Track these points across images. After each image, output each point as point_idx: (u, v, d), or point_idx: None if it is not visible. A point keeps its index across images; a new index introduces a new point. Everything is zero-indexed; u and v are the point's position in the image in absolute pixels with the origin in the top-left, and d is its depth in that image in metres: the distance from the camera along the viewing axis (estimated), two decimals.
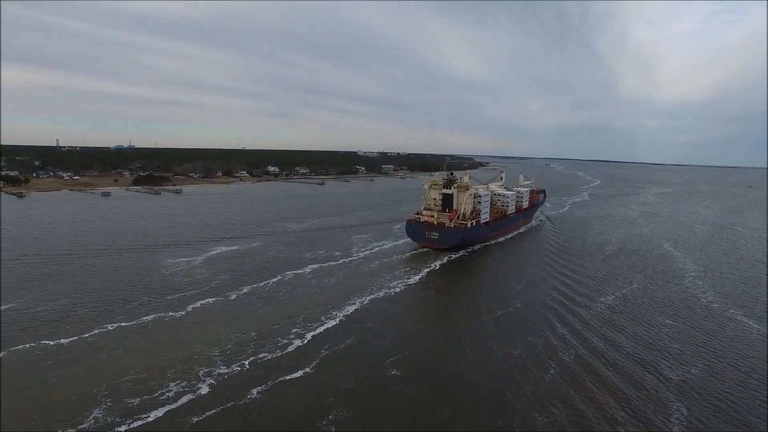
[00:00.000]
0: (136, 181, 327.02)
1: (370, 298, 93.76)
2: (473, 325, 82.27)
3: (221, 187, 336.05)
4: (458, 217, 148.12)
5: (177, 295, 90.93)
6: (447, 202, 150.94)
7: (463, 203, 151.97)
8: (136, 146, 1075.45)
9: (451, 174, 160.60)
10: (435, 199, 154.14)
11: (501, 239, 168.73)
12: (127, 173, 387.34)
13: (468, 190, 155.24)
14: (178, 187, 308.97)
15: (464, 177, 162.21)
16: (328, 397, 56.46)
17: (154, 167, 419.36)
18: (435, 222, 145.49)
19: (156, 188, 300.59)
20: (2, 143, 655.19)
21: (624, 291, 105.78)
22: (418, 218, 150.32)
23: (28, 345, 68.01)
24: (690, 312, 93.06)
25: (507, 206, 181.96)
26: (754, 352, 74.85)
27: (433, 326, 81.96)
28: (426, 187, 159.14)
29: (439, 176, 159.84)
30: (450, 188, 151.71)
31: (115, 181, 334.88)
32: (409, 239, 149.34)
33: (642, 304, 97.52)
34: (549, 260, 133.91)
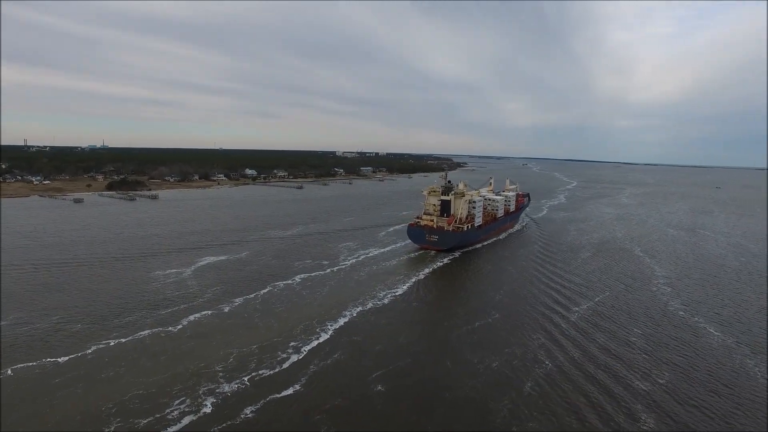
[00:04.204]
0: (110, 186, 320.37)
1: (358, 310, 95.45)
2: (454, 338, 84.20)
3: (198, 192, 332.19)
4: (455, 221, 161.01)
5: (171, 309, 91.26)
6: (445, 207, 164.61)
7: (460, 208, 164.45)
8: (110, 146, 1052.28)
9: (449, 182, 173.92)
10: (434, 204, 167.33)
11: (491, 240, 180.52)
12: (100, 177, 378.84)
13: (464, 196, 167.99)
14: (153, 192, 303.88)
15: (460, 184, 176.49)
16: (315, 415, 57.83)
17: (129, 170, 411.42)
18: (434, 226, 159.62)
19: (131, 193, 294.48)
20: None
21: (598, 299, 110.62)
22: (419, 222, 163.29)
23: (26, 364, 67.84)
24: (661, 319, 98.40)
25: (497, 210, 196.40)
26: (720, 359, 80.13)
27: (417, 339, 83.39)
28: (425, 193, 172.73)
29: (438, 184, 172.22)
30: (448, 195, 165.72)
31: (88, 186, 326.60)
32: (409, 241, 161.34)
33: (616, 311, 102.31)
34: (530, 266, 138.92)
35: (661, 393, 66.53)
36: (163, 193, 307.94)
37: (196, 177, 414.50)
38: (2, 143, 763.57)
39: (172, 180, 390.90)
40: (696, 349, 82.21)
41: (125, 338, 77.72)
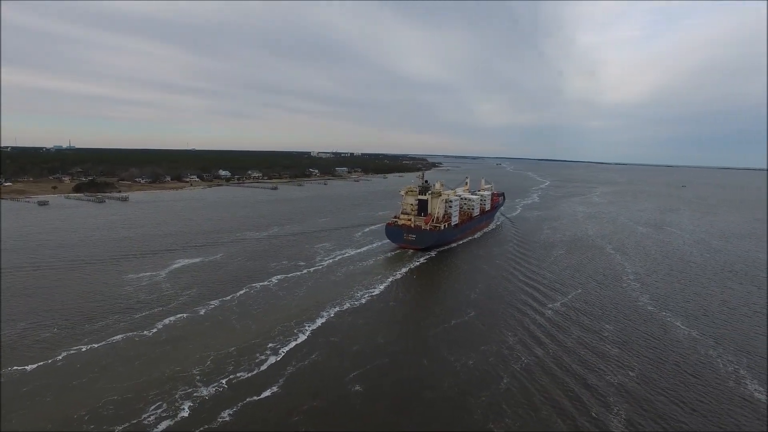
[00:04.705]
0: (78, 188, 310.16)
1: (335, 310, 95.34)
2: (431, 336, 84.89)
3: (171, 194, 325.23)
4: (433, 220, 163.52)
5: (145, 313, 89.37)
6: (422, 207, 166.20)
7: (437, 208, 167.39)
8: (78, 147, 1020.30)
9: (426, 182, 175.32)
10: (411, 204, 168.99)
11: (467, 239, 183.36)
12: (67, 179, 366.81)
13: (440, 196, 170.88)
14: (123, 194, 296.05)
15: (437, 184, 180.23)
16: (293, 416, 57.63)
17: (98, 172, 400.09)
18: (412, 225, 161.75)
19: (99, 195, 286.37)
20: None
21: (571, 295, 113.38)
22: (397, 222, 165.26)
23: None
24: (632, 314, 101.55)
25: (473, 209, 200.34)
26: (686, 350, 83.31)
27: (394, 339, 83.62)
28: (403, 193, 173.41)
29: (415, 184, 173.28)
30: (425, 194, 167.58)
31: (54, 188, 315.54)
32: (386, 241, 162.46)
33: (588, 307, 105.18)
34: (505, 265, 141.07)
35: (633, 384, 68.76)
36: (134, 195, 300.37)
37: (168, 178, 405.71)
38: None
39: (143, 181, 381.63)
40: (664, 342, 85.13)
41: (97, 344, 75.74)
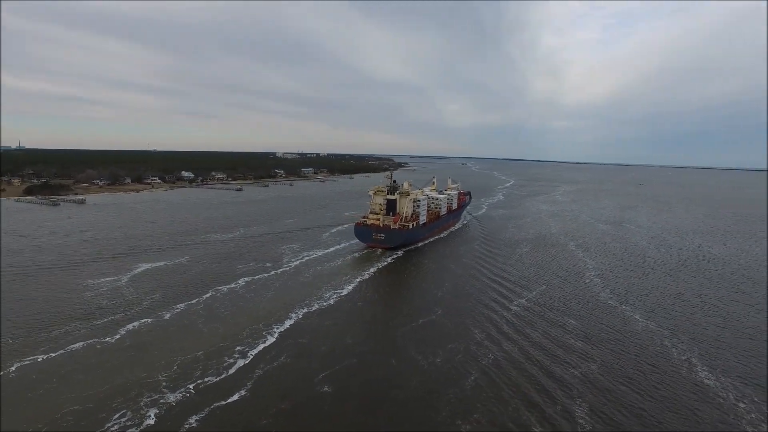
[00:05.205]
0: (29, 191, 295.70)
1: (304, 311, 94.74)
2: (398, 336, 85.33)
3: (131, 196, 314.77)
4: (401, 219, 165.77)
5: (107, 319, 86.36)
6: (391, 206, 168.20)
7: (405, 207, 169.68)
8: (28, 147, 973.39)
9: (394, 182, 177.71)
10: (380, 204, 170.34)
11: (435, 238, 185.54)
12: (16, 181, 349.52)
13: (409, 195, 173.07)
14: (80, 197, 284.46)
15: (405, 184, 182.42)
16: (261, 420, 57.11)
17: (51, 174, 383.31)
18: (381, 224, 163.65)
19: (53, 198, 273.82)
20: None
21: (536, 292, 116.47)
22: (366, 221, 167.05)
23: None
24: (594, 308, 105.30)
25: (440, 208, 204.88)
26: (644, 341, 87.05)
27: (362, 339, 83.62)
28: (371, 193, 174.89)
29: (383, 184, 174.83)
30: (393, 194, 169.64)
31: (2, 190, 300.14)
32: (355, 241, 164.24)
33: (553, 302, 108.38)
34: (471, 263, 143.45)
35: (596, 375, 71.44)
36: (92, 198, 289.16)
37: (129, 180, 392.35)
38: None
39: (101, 183, 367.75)
40: (624, 334, 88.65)
41: (55, 352, 72.68)
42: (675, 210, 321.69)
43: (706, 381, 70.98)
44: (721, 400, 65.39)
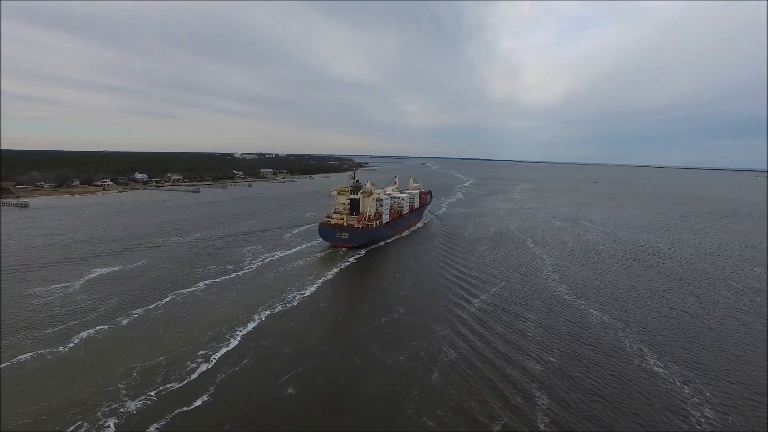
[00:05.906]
0: None
1: (267, 313, 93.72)
2: (361, 335, 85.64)
3: (80, 199, 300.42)
4: (364, 219, 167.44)
5: (58, 327, 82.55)
6: (354, 206, 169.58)
7: (368, 207, 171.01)
8: None
9: (357, 182, 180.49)
10: (343, 203, 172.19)
11: (398, 236, 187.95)
12: None
13: (372, 195, 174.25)
14: (23, 200, 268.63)
15: (368, 183, 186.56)
16: (224, 424, 56.44)
17: None
18: (345, 224, 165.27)
19: None
20: None
21: (496, 288, 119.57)
22: (329, 221, 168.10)
23: None
24: (552, 303, 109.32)
25: (402, 207, 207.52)
26: (600, 334, 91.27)
27: (326, 339, 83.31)
28: (335, 193, 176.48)
29: (346, 184, 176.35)
30: (356, 194, 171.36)
31: None
32: (318, 241, 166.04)
33: (513, 297, 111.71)
34: (432, 261, 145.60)
35: (554, 369, 74.27)
36: (36, 201, 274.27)
37: (77, 182, 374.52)
38: None
39: (46, 186, 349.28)
40: (581, 327, 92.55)
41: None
42: (626, 206, 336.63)
43: (655, 368, 75.27)
44: (669, 386, 69.61)
